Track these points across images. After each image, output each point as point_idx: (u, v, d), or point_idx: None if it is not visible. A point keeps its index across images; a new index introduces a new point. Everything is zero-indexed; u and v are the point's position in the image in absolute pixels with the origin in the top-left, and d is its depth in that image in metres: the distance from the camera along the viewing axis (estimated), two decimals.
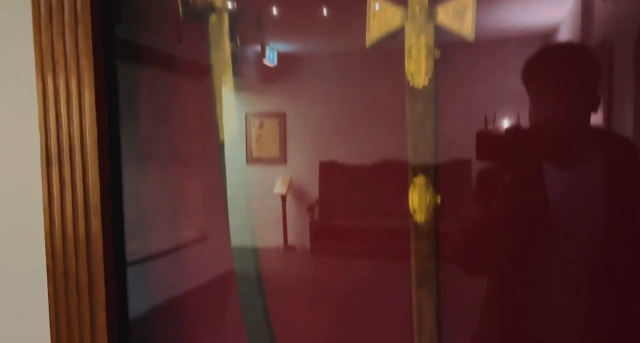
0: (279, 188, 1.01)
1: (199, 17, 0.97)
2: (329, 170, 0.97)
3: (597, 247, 0.82)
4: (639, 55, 0.77)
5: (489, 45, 0.84)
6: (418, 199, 0.86)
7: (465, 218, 0.88)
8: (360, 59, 0.92)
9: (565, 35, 0.80)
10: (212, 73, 0.98)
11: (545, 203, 0.83)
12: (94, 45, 0.92)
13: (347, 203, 0.98)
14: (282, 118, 1.00)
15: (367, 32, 0.88)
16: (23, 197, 1.05)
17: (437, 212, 0.86)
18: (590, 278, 0.83)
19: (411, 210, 0.87)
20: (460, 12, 0.83)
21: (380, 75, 0.91)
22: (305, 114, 0.98)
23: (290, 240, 1.02)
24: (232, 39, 0.96)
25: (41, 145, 0.96)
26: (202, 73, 1.00)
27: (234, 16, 0.97)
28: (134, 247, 1.03)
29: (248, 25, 0.97)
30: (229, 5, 0.97)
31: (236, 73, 0.98)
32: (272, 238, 1.02)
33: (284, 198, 1.01)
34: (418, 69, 0.84)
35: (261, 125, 1.02)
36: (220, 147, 1.00)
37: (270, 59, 0.98)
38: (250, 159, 1.02)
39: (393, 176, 0.90)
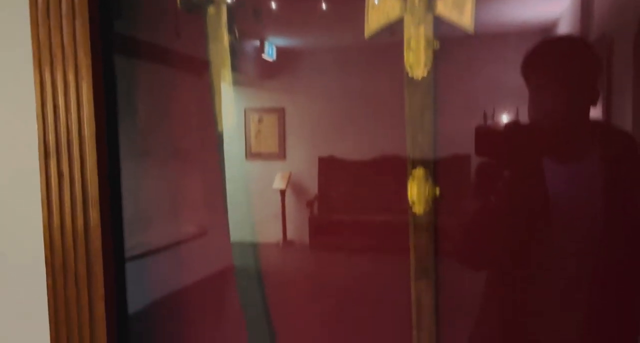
0: (278, 183, 1.01)
1: (197, 9, 0.97)
2: (328, 165, 0.97)
3: (596, 241, 0.82)
4: (638, 49, 0.76)
5: (489, 37, 0.84)
6: (417, 191, 0.86)
7: (464, 210, 0.88)
8: (360, 52, 0.92)
9: (564, 28, 0.80)
10: (211, 68, 0.98)
11: (545, 197, 0.83)
12: (91, 38, 0.92)
13: (346, 198, 0.97)
14: (281, 113, 1.00)
15: (366, 24, 0.88)
16: (21, 189, 1.05)
17: (436, 204, 0.86)
18: (589, 272, 0.83)
19: (410, 202, 0.87)
20: (460, 3, 0.82)
21: (380, 68, 0.91)
22: (304, 109, 0.98)
23: (289, 235, 1.02)
24: (231, 30, 0.96)
25: (39, 137, 0.96)
26: (201, 68, 0.99)
27: (232, 7, 0.97)
28: (133, 242, 1.03)
29: (246, 16, 0.97)
30: None
31: (235, 68, 0.98)
32: (271, 234, 1.02)
33: (283, 193, 1.01)
34: (417, 61, 0.84)
35: (260, 121, 1.02)
36: (219, 142, 1.00)
37: (269, 54, 0.98)
38: (250, 155, 1.02)
39: (392, 170, 0.90)
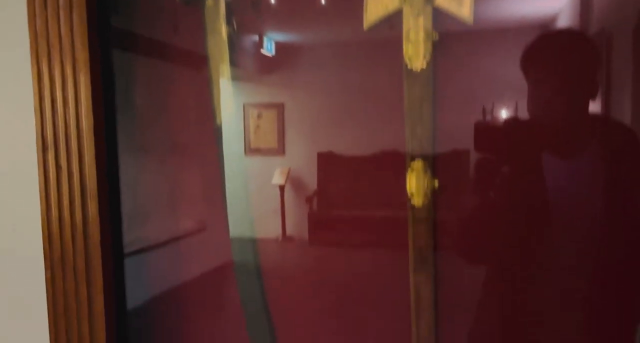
0: (278, 179, 1.01)
1: (195, 1, 0.97)
2: (327, 161, 0.97)
3: (595, 234, 0.82)
4: (637, 43, 0.76)
5: (488, 29, 0.83)
6: (416, 183, 0.86)
7: (463, 202, 0.88)
8: (358, 47, 0.91)
9: (564, 22, 0.80)
10: (210, 62, 0.98)
11: (543, 190, 0.83)
12: (89, 30, 0.91)
13: (346, 194, 0.97)
14: (280, 108, 1.00)
15: (364, 15, 0.88)
16: (20, 182, 1.04)
17: (434, 196, 0.86)
18: (588, 266, 0.83)
19: (409, 195, 0.87)
20: None
21: (379, 61, 0.91)
22: (304, 104, 0.98)
23: (288, 230, 1.02)
24: (229, 22, 0.96)
25: (37, 130, 0.96)
26: (200, 62, 0.99)
27: None
28: (132, 237, 1.03)
29: (245, 8, 0.96)
30: None
31: (233, 63, 0.98)
32: (270, 229, 1.02)
33: (282, 189, 1.01)
34: (416, 52, 0.84)
35: (259, 116, 1.02)
36: (218, 137, 1.00)
37: (268, 49, 0.98)
38: (249, 150, 1.02)
39: (391, 165, 0.90)
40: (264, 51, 0.98)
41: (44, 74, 0.94)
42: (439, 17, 0.84)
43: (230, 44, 0.97)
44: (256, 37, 0.98)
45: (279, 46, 0.97)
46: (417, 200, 0.86)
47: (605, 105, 0.79)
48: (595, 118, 0.81)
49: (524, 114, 0.82)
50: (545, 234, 0.83)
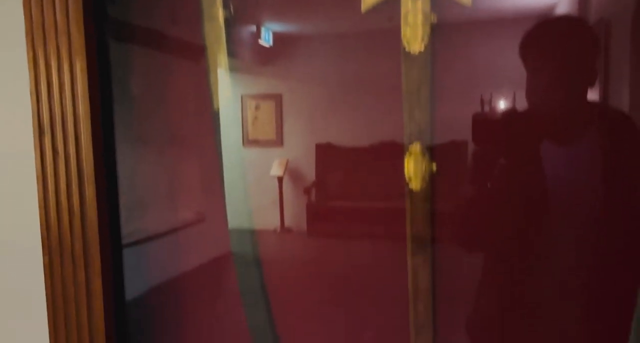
0: (276, 170, 1.01)
1: None
2: (325, 152, 0.97)
3: (594, 222, 0.82)
4: (635, 31, 0.76)
5: (487, 11, 0.83)
6: (414, 167, 0.86)
7: (461, 186, 0.88)
8: (356, 34, 0.91)
9: (563, 9, 0.80)
10: (207, 52, 0.98)
11: (541, 178, 0.83)
12: (84, 14, 0.91)
13: (344, 184, 0.97)
14: (278, 99, 1.00)
15: None
16: (16, 167, 1.04)
17: (432, 180, 0.86)
18: (587, 254, 0.83)
19: (407, 179, 0.87)
20: None
21: (377, 47, 0.90)
22: (302, 95, 0.98)
23: (287, 221, 1.02)
24: (226, 5, 0.95)
25: (33, 115, 0.95)
26: (197, 52, 0.99)
27: None
28: (130, 228, 1.03)
29: None
30: None
31: (231, 53, 0.97)
32: (269, 220, 1.02)
33: (280, 180, 1.01)
34: (414, 35, 0.83)
35: (257, 107, 1.01)
36: (216, 129, 0.99)
37: (266, 39, 0.97)
38: (247, 141, 1.02)
39: (389, 155, 0.90)
40: (261, 42, 0.97)
41: (39, 58, 0.93)
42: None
43: (227, 30, 0.96)
44: (254, 28, 0.97)
45: (277, 36, 0.97)
46: (415, 184, 0.86)
47: (604, 92, 0.79)
48: (594, 105, 0.81)
49: (522, 101, 0.81)
50: (544, 221, 0.83)
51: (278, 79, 0.99)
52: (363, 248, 0.96)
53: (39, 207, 0.97)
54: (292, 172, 1.01)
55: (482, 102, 0.83)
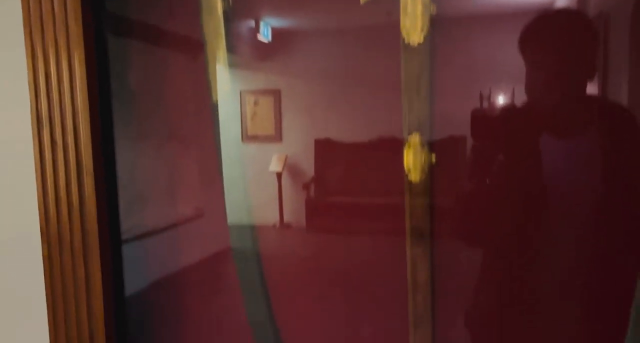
0: (275, 166, 1.01)
1: None
2: (324, 147, 0.97)
3: (593, 217, 0.82)
4: (635, 25, 0.76)
5: (487, 2, 0.83)
6: (413, 158, 0.86)
7: (460, 178, 0.88)
8: (355, 26, 0.91)
9: (562, 3, 0.80)
10: (206, 48, 0.97)
11: (540, 172, 0.83)
12: (82, 4, 0.91)
13: (343, 179, 0.97)
14: (276, 95, 1.00)
15: None
16: (15, 158, 1.04)
17: (432, 172, 0.86)
18: (586, 248, 0.83)
19: (406, 170, 0.86)
20: None
21: (376, 39, 0.90)
22: (301, 90, 0.98)
23: (286, 217, 1.02)
24: None
25: (31, 106, 0.95)
26: (196, 48, 0.99)
27: None
28: (130, 224, 1.03)
29: None
30: None
31: (230, 49, 0.97)
32: (268, 216, 1.02)
33: (279, 176, 1.01)
34: (414, 26, 0.83)
35: (256, 103, 1.01)
36: (215, 124, 0.99)
37: (265, 35, 0.97)
38: (246, 137, 1.02)
39: (389, 148, 0.90)
40: (260, 37, 0.97)
41: (37, 49, 0.93)
42: None
43: (226, 24, 0.96)
44: (252, 23, 0.97)
45: (275, 32, 0.97)
46: (415, 176, 0.86)
47: (603, 86, 0.79)
48: (593, 100, 0.81)
49: (522, 94, 0.81)
50: (543, 215, 0.83)
51: (277, 75, 0.99)
52: (362, 242, 0.96)
53: (38, 199, 0.96)
54: (291, 168, 1.01)
55: (481, 94, 0.83)
